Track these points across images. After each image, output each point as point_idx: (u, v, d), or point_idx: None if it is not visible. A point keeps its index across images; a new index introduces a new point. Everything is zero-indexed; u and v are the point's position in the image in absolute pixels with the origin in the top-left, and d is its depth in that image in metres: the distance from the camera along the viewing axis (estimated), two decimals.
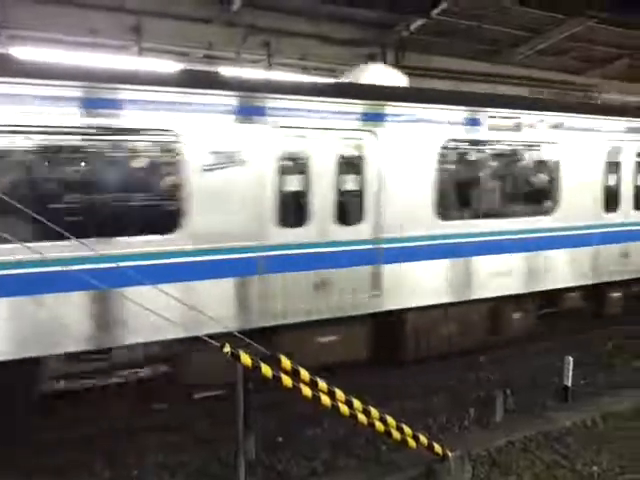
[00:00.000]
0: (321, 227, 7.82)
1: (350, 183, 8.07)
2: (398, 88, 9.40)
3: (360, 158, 8.09)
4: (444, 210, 8.75)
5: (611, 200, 10.60)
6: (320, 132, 7.78)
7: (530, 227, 9.54)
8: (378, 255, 8.19)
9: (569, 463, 6.57)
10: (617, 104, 15.47)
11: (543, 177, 9.98)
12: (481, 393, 8.25)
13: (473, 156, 9.27)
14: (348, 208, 8.07)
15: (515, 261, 9.40)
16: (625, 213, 10.88)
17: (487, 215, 9.24)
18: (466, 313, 9.13)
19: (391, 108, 8.27)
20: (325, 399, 5.46)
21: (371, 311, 8.25)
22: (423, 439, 6.04)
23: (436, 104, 8.71)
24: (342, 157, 7.96)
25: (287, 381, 5.28)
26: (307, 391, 5.38)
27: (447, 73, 14.77)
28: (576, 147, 10.06)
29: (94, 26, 10.86)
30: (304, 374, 5.37)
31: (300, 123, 7.66)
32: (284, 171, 7.55)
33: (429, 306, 8.67)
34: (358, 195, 8.11)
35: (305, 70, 13.44)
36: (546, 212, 9.83)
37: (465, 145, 9.08)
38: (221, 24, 12.27)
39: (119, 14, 11.30)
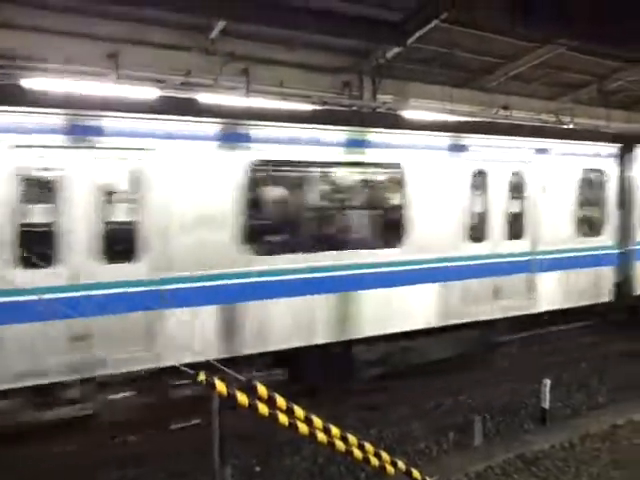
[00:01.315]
0: None
1: None
2: None
3: None
4: None
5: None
6: None
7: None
8: None
9: None
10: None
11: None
12: (459, 417, 8.23)
13: None
14: None
15: None
16: (152, 266, 7.14)
17: None
18: None
19: None
20: (302, 426, 5.42)
21: None
22: (401, 465, 5.99)
23: None
24: None
25: (263, 409, 5.23)
26: (284, 419, 5.33)
27: None
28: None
29: (70, 53, 10.86)
30: (280, 401, 5.33)
31: None
32: None
33: None
34: None
35: (283, 97, 13.56)
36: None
37: None
38: (199, 52, 12.37)
39: (96, 42, 11.36)
